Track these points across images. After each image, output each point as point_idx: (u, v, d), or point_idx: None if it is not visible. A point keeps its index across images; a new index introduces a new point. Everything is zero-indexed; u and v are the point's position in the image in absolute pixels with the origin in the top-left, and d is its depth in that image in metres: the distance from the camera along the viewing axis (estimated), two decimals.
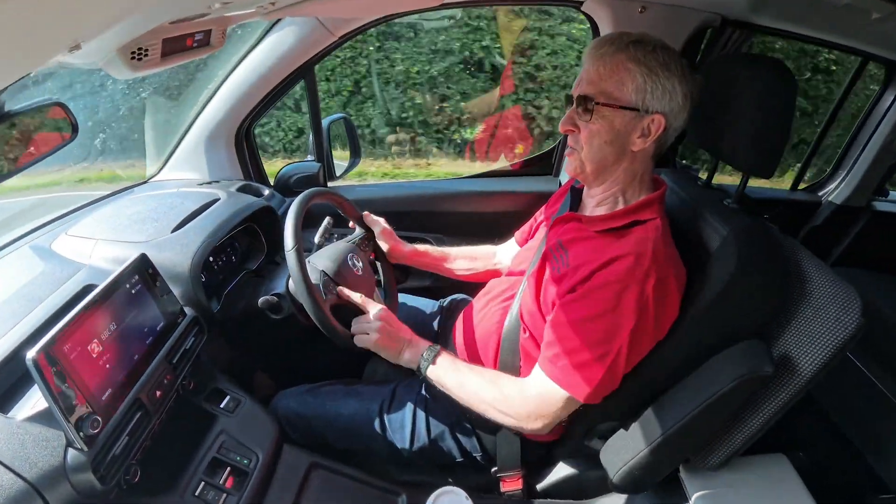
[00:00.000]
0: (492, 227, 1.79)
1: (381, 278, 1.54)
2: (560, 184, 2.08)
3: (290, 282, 1.28)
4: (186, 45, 1.01)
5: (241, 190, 1.70)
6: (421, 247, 1.58)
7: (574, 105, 1.11)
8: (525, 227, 1.54)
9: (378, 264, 1.54)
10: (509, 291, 1.32)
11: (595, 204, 1.19)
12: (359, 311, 1.24)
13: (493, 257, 1.61)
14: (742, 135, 1.10)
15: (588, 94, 1.07)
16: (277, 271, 1.42)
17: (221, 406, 1.22)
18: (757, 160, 1.11)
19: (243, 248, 1.57)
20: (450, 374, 1.17)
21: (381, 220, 1.53)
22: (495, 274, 1.56)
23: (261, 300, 1.30)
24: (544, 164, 2.23)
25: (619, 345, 1.01)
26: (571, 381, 1.04)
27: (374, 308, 1.23)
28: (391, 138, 5.14)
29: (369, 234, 1.51)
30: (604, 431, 1.20)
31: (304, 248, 1.19)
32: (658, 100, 1.06)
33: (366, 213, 1.52)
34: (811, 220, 2.17)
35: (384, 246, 1.52)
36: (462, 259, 1.60)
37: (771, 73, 1.07)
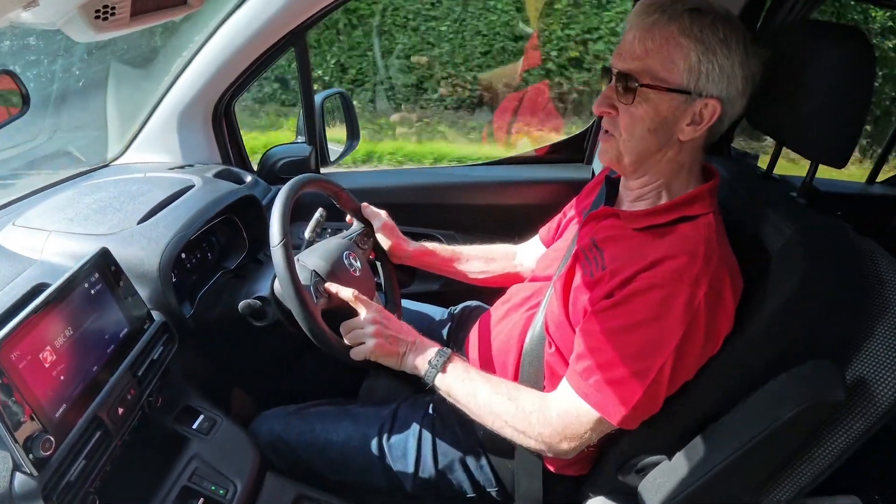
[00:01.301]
0: (512, 223, 1.80)
1: (382, 281, 1.54)
2: (593, 173, 2.08)
3: (276, 283, 1.29)
4: (160, 2, 1.01)
5: (220, 176, 1.70)
6: (429, 245, 1.58)
7: (613, 82, 1.09)
8: (552, 224, 1.53)
9: (378, 265, 1.54)
10: (533, 299, 1.31)
11: (634, 198, 1.19)
12: (352, 313, 1.25)
13: (513, 258, 1.61)
14: (811, 116, 1.09)
15: (631, 70, 1.06)
16: (261, 271, 1.43)
17: (194, 427, 1.23)
18: (829, 146, 1.10)
19: (221, 244, 1.57)
20: (461, 383, 1.17)
21: (383, 213, 1.53)
22: (515, 278, 1.56)
23: (241, 304, 1.30)
24: (574, 149, 2.22)
25: (662, 360, 1.00)
26: (604, 399, 1.03)
27: (365, 308, 1.23)
28: (395, 117, 5.16)
29: (368, 229, 1.51)
30: (643, 464, 1.20)
31: (292, 245, 1.20)
32: (714, 83, 1.04)
33: (364, 204, 1.52)
34: (892, 218, 2.15)
35: (385, 243, 1.52)
36: (477, 260, 1.60)
37: (846, 44, 1.06)
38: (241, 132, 1.99)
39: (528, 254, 1.59)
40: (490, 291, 1.57)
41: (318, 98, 1.95)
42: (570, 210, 1.47)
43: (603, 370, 1.03)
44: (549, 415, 1.09)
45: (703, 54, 1.03)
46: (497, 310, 1.40)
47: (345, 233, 1.49)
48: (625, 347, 1.02)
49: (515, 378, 1.25)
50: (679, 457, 1.12)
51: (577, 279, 1.15)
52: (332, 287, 1.25)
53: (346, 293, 1.24)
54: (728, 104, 1.07)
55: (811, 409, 0.98)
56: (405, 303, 1.68)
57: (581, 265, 1.16)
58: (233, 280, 1.48)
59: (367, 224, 1.52)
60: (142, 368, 1.14)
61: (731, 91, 1.06)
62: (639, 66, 1.05)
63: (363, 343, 1.20)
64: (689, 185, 1.15)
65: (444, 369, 1.18)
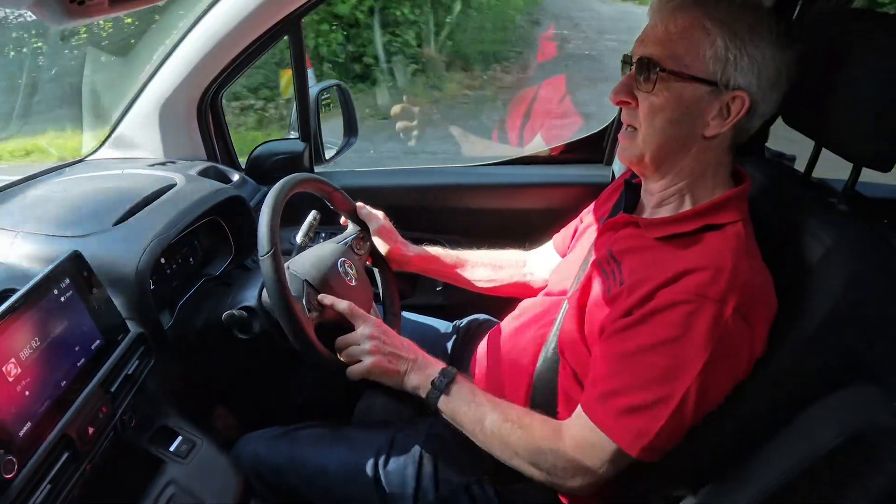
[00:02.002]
0: (524, 229, 1.79)
1: (380, 290, 1.54)
2: (613, 175, 2.08)
3: (265, 293, 1.29)
4: None
5: (204, 174, 1.71)
6: (431, 249, 1.58)
7: (633, 69, 1.10)
8: (567, 231, 1.53)
9: (376, 272, 1.54)
10: (546, 316, 1.31)
11: (655, 203, 1.18)
12: (347, 327, 1.25)
13: (523, 266, 1.61)
14: (854, 114, 1.09)
15: (652, 56, 1.06)
16: (248, 278, 1.42)
17: (171, 449, 1.22)
18: (873, 147, 1.09)
19: (205, 249, 1.58)
20: (467, 407, 1.16)
21: (380, 215, 1.53)
22: (525, 288, 1.56)
23: (225, 315, 1.30)
24: (593, 148, 2.22)
25: (686, 385, 0.99)
26: (623, 428, 1.02)
27: (362, 322, 1.23)
28: (396, 109, 5.16)
29: (364, 232, 1.52)
30: (666, 501, 1.19)
31: (282, 251, 1.20)
32: (742, 73, 1.04)
33: (360, 204, 1.52)
34: None
35: (383, 248, 1.52)
36: (483, 267, 1.60)
37: (892, 33, 1.06)
38: None
39: (539, 262, 1.59)
40: (499, 304, 1.57)
41: (313, 90, 1.95)
42: (586, 216, 1.47)
43: (621, 396, 1.02)
44: (562, 445, 1.08)
45: (731, 41, 1.03)
46: (507, 326, 1.40)
47: (339, 237, 1.49)
48: (645, 371, 1.01)
49: (526, 402, 1.24)
50: (705, 493, 1.11)
51: (594, 295, 1.15)
52: (326, 299, 1.25)
53: (341, 305, 1.24)
54: (758, 98, 1.06)
55: (854, 439, 0.97)
56: (406, 315, 1.67)
57: (597, 280, 1.16)
58: (217, 288, 1.48)
59: (364, 227, 1.52)
60: (115, 384, 1.13)
61: (762, 84, 1.06)
62: (661, 51, 1.06)
63: (360, 360, 1.20)
64: (715, 190, 1.14)
65: (448, 391, 1.17)
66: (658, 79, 1.06)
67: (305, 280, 1.26)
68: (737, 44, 1.03)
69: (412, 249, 1.55)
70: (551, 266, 1.49)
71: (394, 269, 1.55)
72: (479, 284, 1.60)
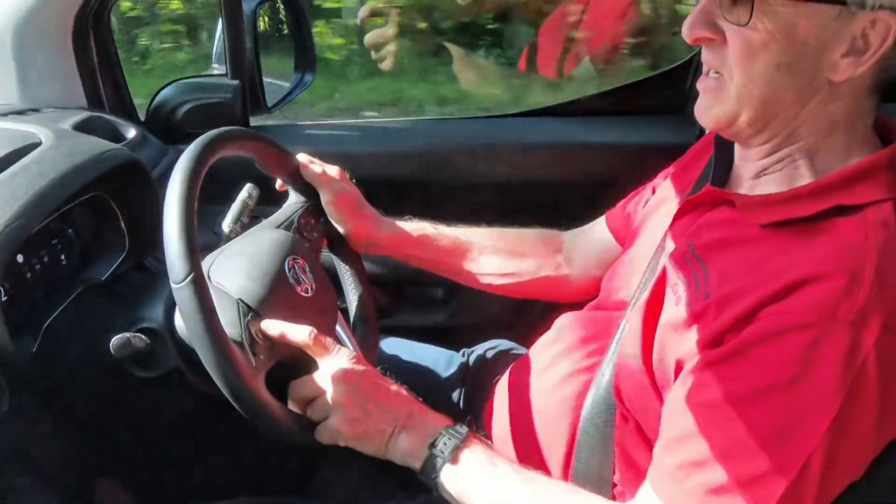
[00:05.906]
0: (567, 214, 1.78)
1: (345, 291, 1.53)
2: (701, 131, 2.07)
3: (178, 316, 1.25)
4: None
5: (84, 127, 1.70)
6: (414, 226, 1.57)
7: None
8: (631, 208, 1.53)
9: (336, 262, 1.54)
10: (596, 341, 1.31)
11: (755, 172, 1.18)
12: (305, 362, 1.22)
13: (555, 253, 1.62)
14: None
15: None
16: (148, 287, 1.42)
17: None
18: None
19: (84, 241, 1.57)
20: (483, 482, 1.15)
21: (334, 172, 1.50)
22: (558, 287, 1.59)
23: (115, 341, 1.28)
24: (670, 91, 2.21)
25: (807, 450, 0.97)
26: None
27: (329, 357, 1.20)
28: (363, 10, 5.07)
29: (314, 204, 1.50)
30: None
31: (202, 246, 1.16)
32: None
33: (303, 160, 1.48)
34: None
35: (341, 226, 1.50)
36: (494, 254, 1.60)
37: None
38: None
39: (584, 248, 1.60)
40: (528, 324, 1.56)
41: (248, 3, 1.94)
42: (662, 186, 1.47)
43: (709, 468, 1.01)
44: None
45: None
46: (538, 356, 1.39)
47: (277, 215, 1.46)
48: (745, 431, 0.99)
49: (566, 470, 1.24)
50: None
51: (667, 312, 1.14)
52: (274, 327, 1.20)
53: (297, 334, 1.20)
54: None
55: None
56: (390, 341, 1.67)
57: (673, 287, 1.15)
58: (102, 301, 1.48)
59: (313, 196, 1.50)
60: None
61: None
62: None
63: (327, 417, 1.17)
64: (848, 156, 1.12)
65: (455, 458, 1.15)
66: (755, 1, 1.03)
67: (240, 300, 1.21)
68: None
69: (386, 226, 1.54)
70: (601, 256, 1.48)
71: (358, 251, 1.55)
72: (487, 281, 1.60)
